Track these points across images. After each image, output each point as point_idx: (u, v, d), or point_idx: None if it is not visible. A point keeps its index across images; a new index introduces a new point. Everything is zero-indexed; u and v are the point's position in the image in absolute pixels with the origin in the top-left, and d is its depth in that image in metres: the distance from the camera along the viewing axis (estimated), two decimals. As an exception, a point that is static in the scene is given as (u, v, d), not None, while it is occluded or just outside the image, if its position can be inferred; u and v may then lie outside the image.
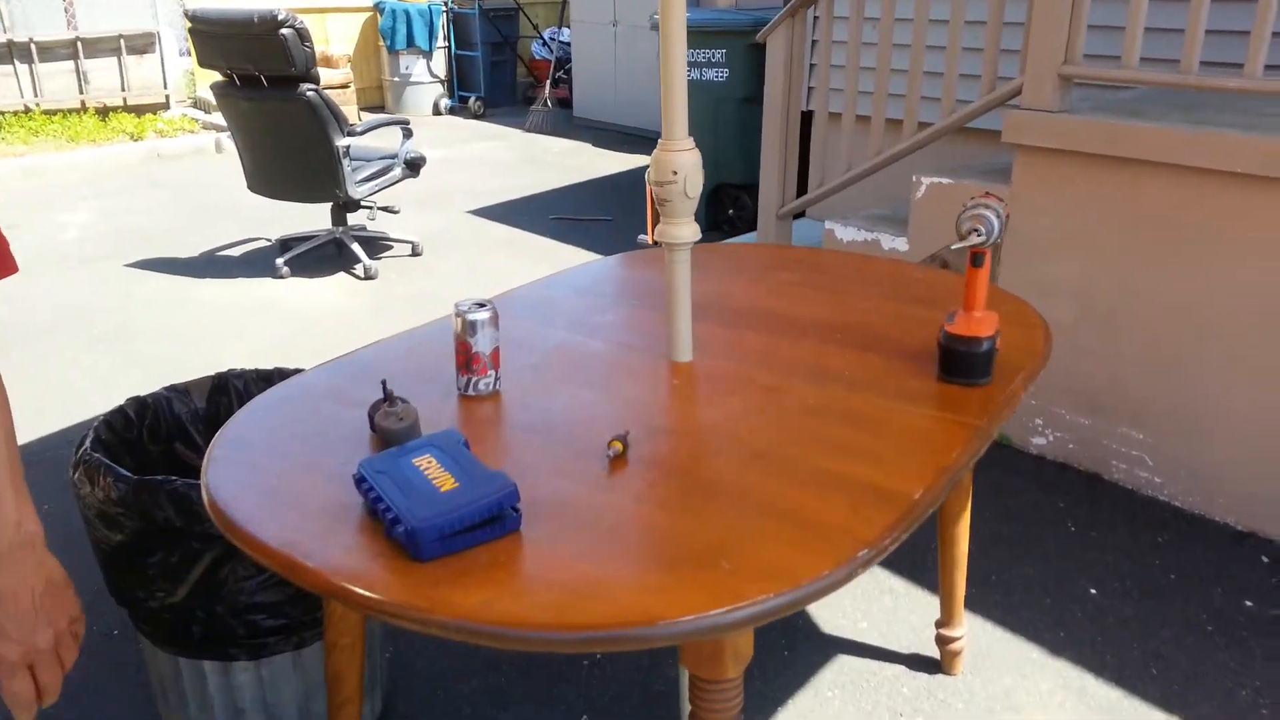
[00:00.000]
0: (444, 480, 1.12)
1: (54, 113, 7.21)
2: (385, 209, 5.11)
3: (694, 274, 1.82)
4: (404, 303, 4.13)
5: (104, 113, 7.40)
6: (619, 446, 1.27)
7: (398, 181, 4.55)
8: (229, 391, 1.89)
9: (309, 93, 4.03)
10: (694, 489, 1.19)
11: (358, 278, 4.45)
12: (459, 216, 5.45)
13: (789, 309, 1.79)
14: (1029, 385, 1.51)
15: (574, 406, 1.42)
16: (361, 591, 1.03)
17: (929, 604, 2.20)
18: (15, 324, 3.94)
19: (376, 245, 4.85)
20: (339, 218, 4.63)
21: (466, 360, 1.43)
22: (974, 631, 2.10)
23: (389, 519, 1.08)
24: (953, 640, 1.97)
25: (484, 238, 5.05)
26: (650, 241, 1.63)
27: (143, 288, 4.35)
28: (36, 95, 7.14)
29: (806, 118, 3.73)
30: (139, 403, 1.81)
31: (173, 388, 1.85)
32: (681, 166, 1.44)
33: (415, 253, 4.75)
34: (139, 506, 1.54)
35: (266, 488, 1.23)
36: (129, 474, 1.55)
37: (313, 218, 5.05)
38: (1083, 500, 2.61)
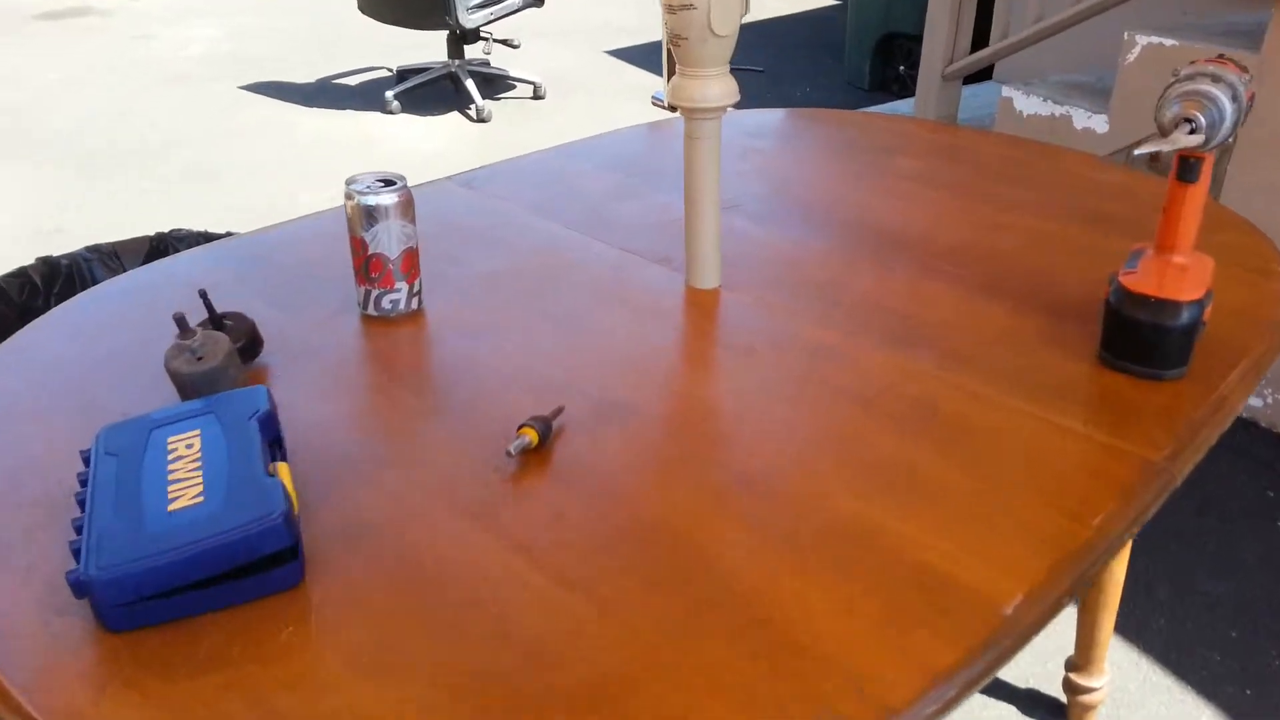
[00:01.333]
0: (188, 486, 0.67)
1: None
2: (503, 42, 4.60)
3: (781, 149, 1.31)
4: (511, 151, 3.65)
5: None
6: (531, 437, 0.79)
7: (516, 10, 4.03)
8: (168, 255, 1.50)
9: (415, -101, 3.52)
10: (617, 538, 0.71)
11: (470, 119, 4.02)
12: (595, 56, 4.89)
13: (893, 216, 1.23)
14: (1255, 383, 0.92)
15: (515, 351, 0.94)
16: (-7, 676, 0.61)
17: (1065, 622, 1.66)
18: (111, 145, 3.72)
19: (496, 83, 4.38)
20: (455, 49, 4.17)
21: (364, 264, 0.97)
22: (1121, 667, 1.56)
23: (73, 549, 0.65)
24: (1088, 691, 1.44)
25: (616, 82, 4.50)
26: (666, 104, 1.10)
27: (248, 114, 4.06)
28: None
29: (999, -48, 2.95)
30: (49, 265, 1.44)
31: (97, 248, 1.48)
32: (708, -17, 0.89)
33: (537, 95, 4.26)
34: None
35: (4, 440, 0.82)
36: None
37: (440, 49, 4.62)
38: (1303, 491, 1.96)
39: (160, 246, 1.49)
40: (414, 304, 0.99)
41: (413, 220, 0.97)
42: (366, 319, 0.99)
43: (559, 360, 0.92)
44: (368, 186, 0.94)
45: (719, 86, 0.95)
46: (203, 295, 0.87)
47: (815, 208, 1.25)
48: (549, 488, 0.75)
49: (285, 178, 3.45)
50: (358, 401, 0.87)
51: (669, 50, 0.97)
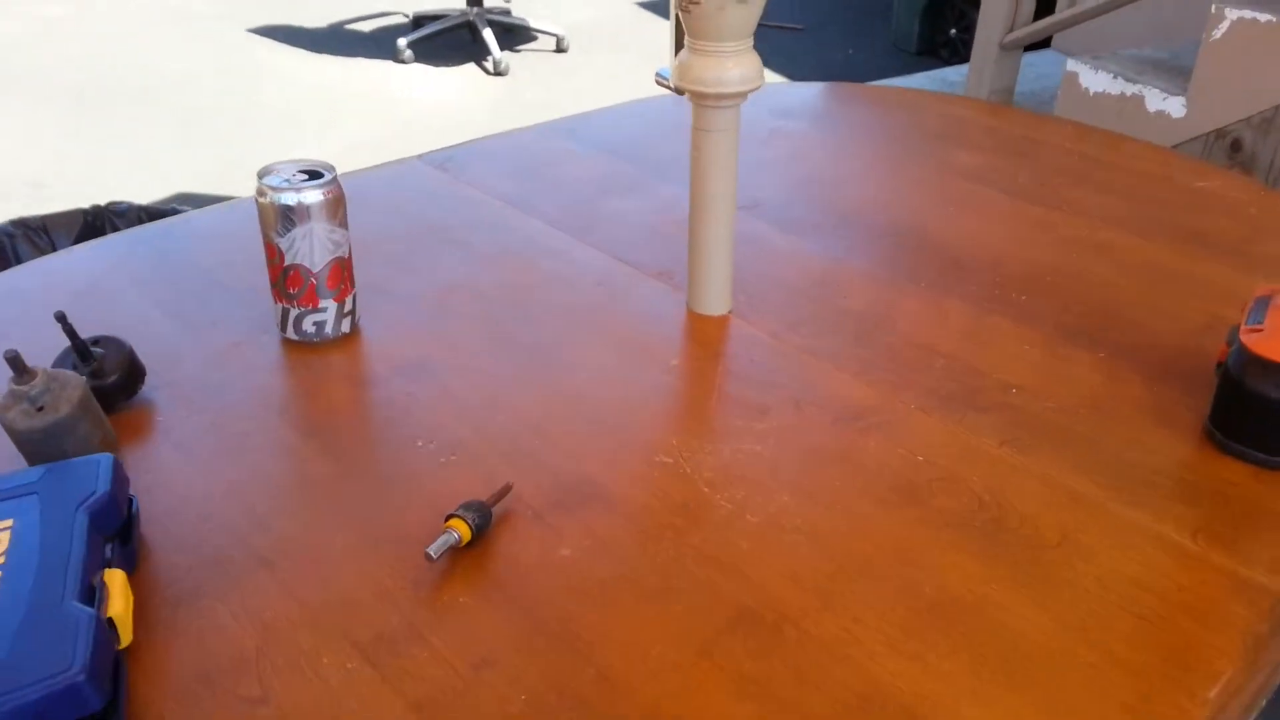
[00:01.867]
0: (-34, 617, 0.49)
1: None
2: (525, -11, 4.35)
3: (814, 135, 1.12)
4: (526, 110, 3.45)
5: None
6: (461, 534, 0.60)
7: (541, -43, 3.78)
8: (104, 233, 1.32)
9: None
10: (560, 707, 0.51)
11: (487, 72, 3.79)
12: (626, 8, 4.63)
13: (950, 227, 1.01)
14: None
15: (464, 396, 0.74)
16: None
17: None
18: (103, 87, 3.53)
19: (516, 34, 4.14)
20: (474, -5, 3.93)
21: (281, 277, 0.77)
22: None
23: None
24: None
25: (645, 37, 4.24)
26: (672, 85, 0.90)
27: (253, 58, 3.85)
28: None
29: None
30: (-37, 240, 1.25)
31: (23, 222, 1.29)
32: (728, -69, 0.68)
33: (559, 48, 4.01)
34: None
35: None
36: None
37: (457, -6, 4.38)
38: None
39: (95, 223, 1.30)
40: (344, 326, 0.80)
41: (343, 223, 0.77)
42: (287, 343, 0.80)
43: (517, 412, 0.73)
44: (286, 180, 0.75)
45: (739, 67, 0.74)
46: (60, 319, 0.68)
47: (854, 212, 1.04)
48: (477, 614, 0.56)
49: (284, 130, 3.25)
50: (251, 466, 0.67)
51: (677, 17, 0.76)
